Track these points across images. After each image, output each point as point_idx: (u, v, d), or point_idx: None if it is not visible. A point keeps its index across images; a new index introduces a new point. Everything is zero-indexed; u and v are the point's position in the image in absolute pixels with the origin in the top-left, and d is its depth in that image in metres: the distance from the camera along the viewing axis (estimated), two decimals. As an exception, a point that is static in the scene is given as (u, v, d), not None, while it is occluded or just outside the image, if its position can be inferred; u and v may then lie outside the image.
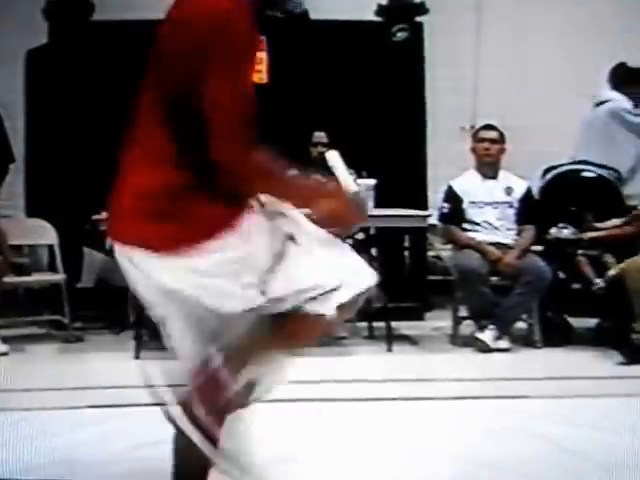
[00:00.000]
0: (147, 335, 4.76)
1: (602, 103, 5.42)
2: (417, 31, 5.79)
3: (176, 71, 1.89)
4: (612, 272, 4.48)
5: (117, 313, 5.01)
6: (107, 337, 5.06)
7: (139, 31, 5.49)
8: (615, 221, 4.72)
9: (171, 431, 3.15)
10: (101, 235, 4.76)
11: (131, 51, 5.47)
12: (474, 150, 5.05)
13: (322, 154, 5.22)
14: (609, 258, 4.67)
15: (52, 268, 5.11)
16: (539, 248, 4.85)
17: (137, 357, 4.45)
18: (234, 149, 1.87)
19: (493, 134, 5.02)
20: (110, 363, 4.35)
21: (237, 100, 1.85)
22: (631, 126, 5.31)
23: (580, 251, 4.70)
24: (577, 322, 4.95)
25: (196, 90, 1.82)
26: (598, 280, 4.56)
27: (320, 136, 5.22)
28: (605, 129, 5.31)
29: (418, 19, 5.80)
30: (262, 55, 5.67)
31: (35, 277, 5.15)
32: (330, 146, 5.20)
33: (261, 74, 5.67)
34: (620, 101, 5.38)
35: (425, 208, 5.38)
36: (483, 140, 5.01)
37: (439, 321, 5.29)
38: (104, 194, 5.16)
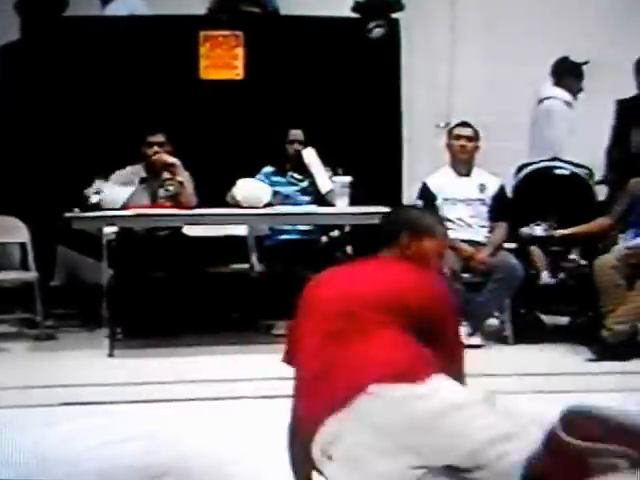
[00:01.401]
0: (121, 333, 4.77)
1: (544, 100, 5.51)
2: (393, 28, 5.79)
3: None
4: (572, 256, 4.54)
5: (91, 311, 5.00)
6: (80, 335, 5.04)
7: (112, 27, 5.54)
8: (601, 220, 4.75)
9: (142, 428, 3.18)
10: (74, 233, 4.77)
11: (104, 47, 5.50)
12: (449, 147, 5.06)
13: (298, 152, 5.26)
14: (576, 254, 4.73)
15: (24, 266, 5.07)
16: (512, 245, 4.89)
17: (111, 355, 4.45)
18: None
19: (468, 131, 5.04)
20: (83, 361, 4.34)
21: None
22: (569, 121, 5.41)
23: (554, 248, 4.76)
24: (549, 319, 4.99)
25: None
26: (545, 273, 4.62)
27: (296, 134, 5.20)
28: (540, 128, 5.38)
29: (394, 15, 5.80)
30: (239, 51, 5.68)
31: (7, 275, 5.11)
32: (306, 144, 5.24)
33: (237, 70, 5.68)
34: (559, 98, 5.46)
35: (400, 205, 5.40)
36: (459, 137, 5.03)
37: (411, 318, 5.31)
38: (76, 192, 5.20)
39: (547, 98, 5.51)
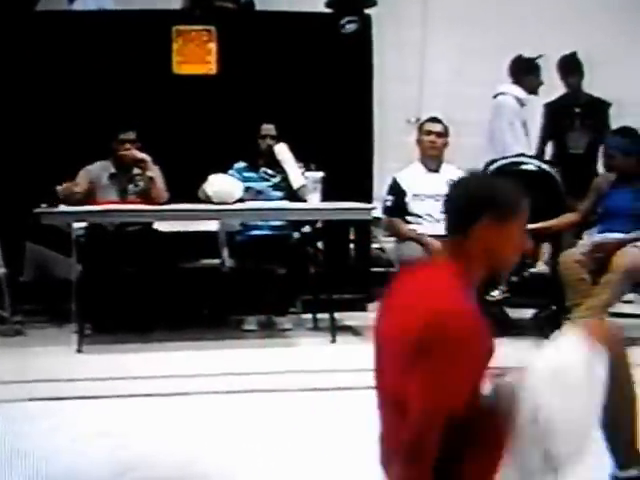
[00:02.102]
0: (90, 328, 4.77)
1: (497, 96, 5.61)
2: (365, 23, 5.82)
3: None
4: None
5: (59, 307, 4.99)
6: (49, 331, 5.02)
7: (85, 23, 5.52)
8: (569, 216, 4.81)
9: (111, 424, 3.20)
10: (42, 228, 4.75)
11: (77, 43, 5.47)
12: (419, 143, 5.10)
13: (270, 147, 5.27)
14: (542, 250, 4.79)
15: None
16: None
17: (79, 351, 4.45)
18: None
19: (438, 127, 5.09)
20: (52, 357, 4.34)
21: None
22: (519, 118, 5.50)
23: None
24: (514, 312, 5.04)
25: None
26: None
27: (268, 128, 5.20)
28: (497, 120, 5.46)
29: (366, 11, 5.83)
30: (212, 46, 5.68)
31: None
32: (279, 139, 5.25)
33: (210, 65, 5.68)
34: (510, 94, 5.54)
35: (370, 201, 5.43)
36: (429, 133, 5.07)
37: (381, 312, 5.36)
38: (45, 187, 5.17)
39: (500, 94, 5.60)
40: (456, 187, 1.98)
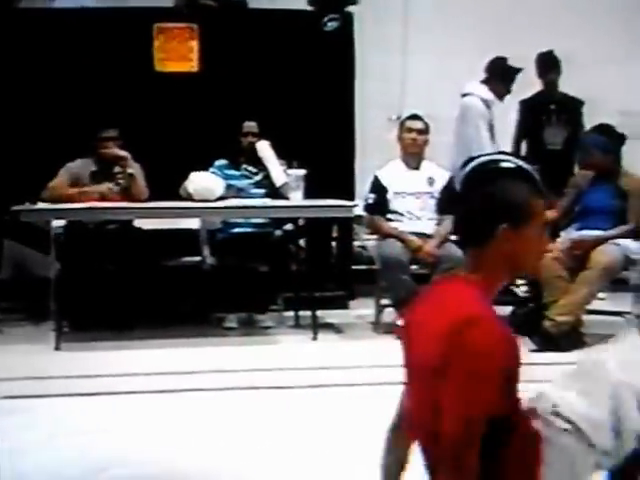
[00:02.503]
0: (68, 326, 4.76)
1: (464, 96, 5.64)
2: (347, 21, 5.83)
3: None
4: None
5: (37, 304, 4.98)
6: (27, 328, 5.00)
7: (66, 20, 5.51)
8: (548, 213, 4.82)
9: (88, 421, 3.20)
10: (21, 226, 4.73)
11: (58, 40, 5.46)
12: (400, 140, 5.11)
13: (252, 144, 5.27)
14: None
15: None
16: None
17: (57, 348, 4.44)
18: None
19: (419, 124, 5.10)
20: (29, 354, 4.32)
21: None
22: (485, 120, 5.53)
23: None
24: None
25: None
26: None
27: (250, 126, 5.20)
28: (459, 122, 5.49)
29: (348, 9, 5.84)
30: (194, 44, 5.68)
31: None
32: (261, 136, 5.25)
33: (192, 63, 5.68)
34: (477, 95, 5.57)
35: (352, 198, 5.44)
36: (410, 130, 5.08)
37: (363, 309, 5.37)
38: (25, 185, 5.15)
39: (467, 94, 5.62)
40: (465, 199, 1.93)
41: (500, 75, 5.59)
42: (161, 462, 2.80)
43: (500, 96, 5.62)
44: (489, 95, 5.58)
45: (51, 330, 4.58)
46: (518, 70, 5.59)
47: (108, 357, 4.27)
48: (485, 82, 5.62)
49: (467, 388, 1.69)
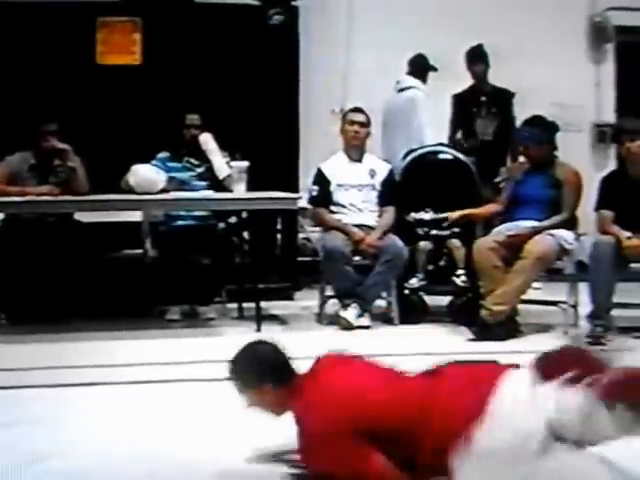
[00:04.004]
0: (5, 319, 4.71)
1: (404, 90, 5.76)
2: (292, 15, 5.85)
3: None
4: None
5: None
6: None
7: (7, 13, 5.43)
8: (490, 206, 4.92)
9: (26, 413, 3.17)
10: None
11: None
12: (343, 132, 5.16)
13: (195, 137, 5.26)
14: (456, 242, 4.90)
15: None
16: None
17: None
18: None
19: (361, 117, 5.14)
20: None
21: None
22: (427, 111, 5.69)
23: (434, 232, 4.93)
24: (431, 300, 5.12)
25: None
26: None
27: (193, 118, 5.18)
28: (404, 115, 5.59)
29: (293, 3, 5.86)
30: (136, 37, 5.65)
31: None
32: (203, 129, 5.25)
33: (135, 56, 5.65)
34: (419, 88, 5.76)
35: (297, 190, 5.47)
36: (352, 123, 5.12)
37: (307, 300, 5.40)
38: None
39: (409, 88, 5.75)
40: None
41: (419, 72, 5.81)
42: (98, 453, 2.78)
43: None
44: (425, 88, 5.78)
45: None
46: (434, 69, 5.84)
47: (45, 350, 4.22)
48: (414, 73, 5.80)
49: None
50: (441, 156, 5.09)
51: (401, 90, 5.77)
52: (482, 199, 4.98)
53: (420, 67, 5.82)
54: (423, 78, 5.82)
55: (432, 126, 5.67)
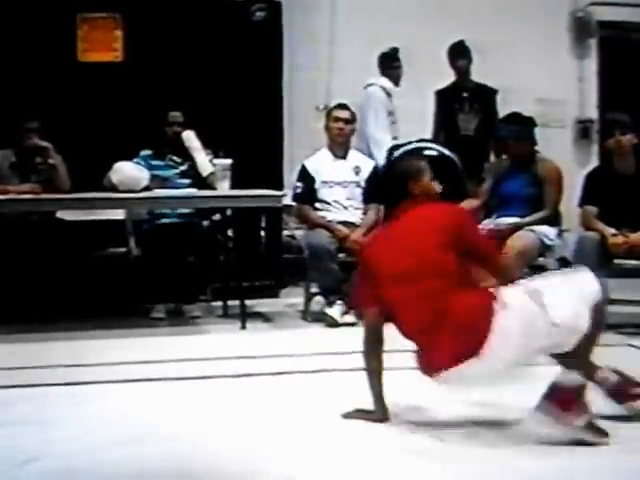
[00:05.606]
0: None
1: (367, 86, 5.84)
2: (275, 11, 5.84)
3: None
4: None
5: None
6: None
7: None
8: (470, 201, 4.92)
9: (10, 413, 3.15)
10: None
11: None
12: (327, 129, 5.15)
13: (178, 134, 5.24)
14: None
15: None
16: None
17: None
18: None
19: (346, 114, 5.14)
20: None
21: None
22: (386, 108, 5.77)
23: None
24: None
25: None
26: None
27: (175, 116, 5.16)
28: (361, 112, 5.62)
29: (276, -1, 5.86)
30: (118, 33, 5.61)
31: None
32: (186, 126, 5.22)
33: (116, 52, 5.61)
34: (378, 85, 5.81)
35: (281, 188, 5.46)
36: (337, 120, 5.12)
37: (293, 298, 5.41)
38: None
39: (369, 85, 5.82)
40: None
41: (386, 63, 5.91)
42: (83, 453, 2.75)
43: (396, 81, 5.91)
44: (389, 84, 5.83)
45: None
46: (393, 51, 5.94)
47: (31, 349, 4.20)
48: (382, 74, 5.88)
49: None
50: (426, 152, 5.08)
51: (366, 87, 5.82)
52: (468, 195, 4.99)
53: (380, 62, 5.90)
54: (389, 74, 5.87)
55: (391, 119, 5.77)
